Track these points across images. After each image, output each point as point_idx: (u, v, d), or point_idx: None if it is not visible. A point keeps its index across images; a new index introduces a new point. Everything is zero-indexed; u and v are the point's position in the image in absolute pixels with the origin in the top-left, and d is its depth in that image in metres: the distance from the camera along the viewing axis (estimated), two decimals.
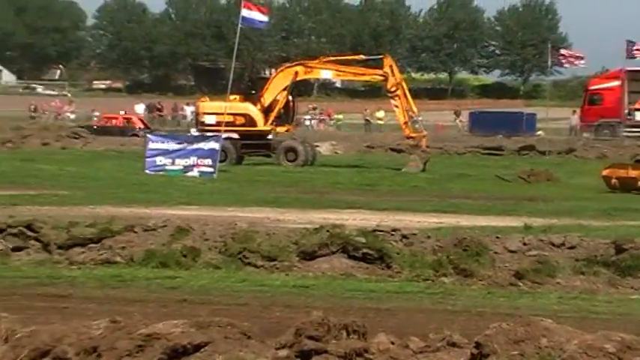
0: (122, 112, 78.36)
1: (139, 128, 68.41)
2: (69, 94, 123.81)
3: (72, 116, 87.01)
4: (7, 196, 28.28)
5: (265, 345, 8.08)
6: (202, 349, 7.93)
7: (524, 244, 16.91)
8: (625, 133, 69.48)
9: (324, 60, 49.88)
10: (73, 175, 36.67)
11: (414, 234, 17.53)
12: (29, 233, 18.48)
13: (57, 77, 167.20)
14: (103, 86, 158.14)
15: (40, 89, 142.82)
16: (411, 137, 45.87)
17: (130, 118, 74.86)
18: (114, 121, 73.10)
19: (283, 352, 7.72)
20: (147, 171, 38.54)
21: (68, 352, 7.89)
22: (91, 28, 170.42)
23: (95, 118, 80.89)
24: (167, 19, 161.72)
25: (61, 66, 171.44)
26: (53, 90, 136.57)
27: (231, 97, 45.58)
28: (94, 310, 12.72)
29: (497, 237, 17.30)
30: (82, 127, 68.65)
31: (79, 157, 48.67)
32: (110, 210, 24.47)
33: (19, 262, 17.77)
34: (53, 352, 7.92)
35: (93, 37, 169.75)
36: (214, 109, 46.48)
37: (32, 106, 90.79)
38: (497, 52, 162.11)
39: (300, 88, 57.04)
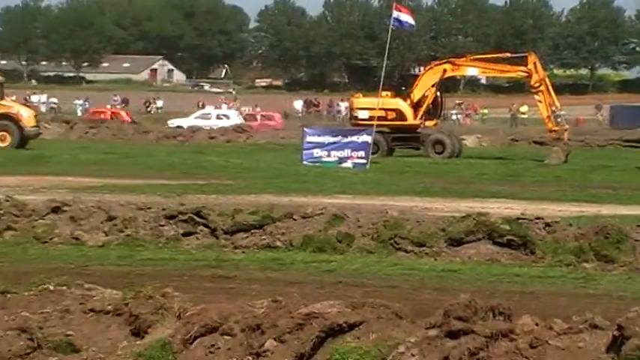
0: (108, 107, 78.43)
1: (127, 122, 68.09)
2: (233, 92, 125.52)
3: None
4: (179, 185, 28.85)
5: (415, 325, 8.08)
6: (357, 328, 7.97)
7: None
8: None
9: (471, 58, 49.58)
10: (237, 167, 37.11)
11: (557, 222, 17.30)
12: (198, 219, 18.82)
13: (222, 76, 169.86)
14: (264, 84, 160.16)
15: (207, 87, 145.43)
16: (554, 130, 45.26)
17: (118, 113, 74.78)
18: (102, 115, 72.99)
19: (433, 332, 7.71)
20: (304, 162, 38.83)
21: (234, 328, 8.02)
22: (254, 30, 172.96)
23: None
24: (324, 22, 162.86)
25: (226, 65, 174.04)
26: (219, 87, 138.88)
27: (383, 93, 45.52)
28: (257, 291, 12.86)
29: (638, 225, 16.95)
30: None
31: (242, 149, 49.30)
32: (270, 198, 24.72)
33: (188, 246, 18.12)
34: (221, 329, 8.06)
35: (255, 39, 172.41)
36: (367, 104, 46.59)
37: (200, 103, 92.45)
38: (637, 49, 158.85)
39: (447, 85, 56.64)
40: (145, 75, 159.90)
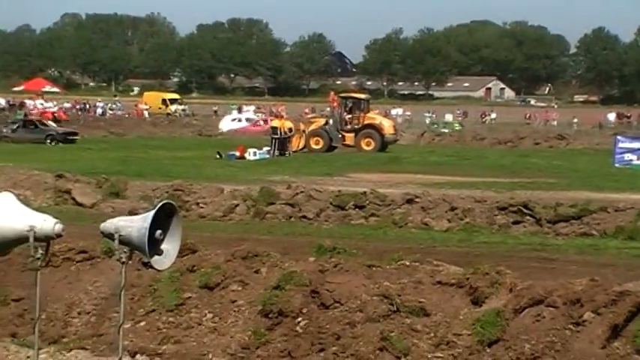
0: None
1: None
2: (555, 106, 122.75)
3: (554, 122, 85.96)
4: (508, 182, 28.59)
5: None
6: None
7: None
8: None
9: None
10: (557, 168, 36.28)
11: None
12: (525, 211, 18.65)
13: (546, 93, 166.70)
14: (581, 99, 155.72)
15: (532, 102, 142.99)
16: None
17: (45, 113, 65.70)
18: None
19: None
20: (616, 165, 37.57)
21: (557, 301, 7.82)
22: (573, 55, 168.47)
23: (575, 125, 79.46)
24: (635, 46, 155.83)
25: (549, 84, 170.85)
26: (543, 102, 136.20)
27: None
28: (575, 271, 12.48)
29: None
30: None
31: (562, 154, 48.10)
32: (587, 194, 23.98)
33: (516, 232, 17.95)
34: (546, 301, 7.89)
35: (574, 62, 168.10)
36: None
37: (527, 115, 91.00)
38: None
39: None
40: (481, 92, 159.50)
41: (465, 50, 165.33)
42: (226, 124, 68.40)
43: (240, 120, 70.71)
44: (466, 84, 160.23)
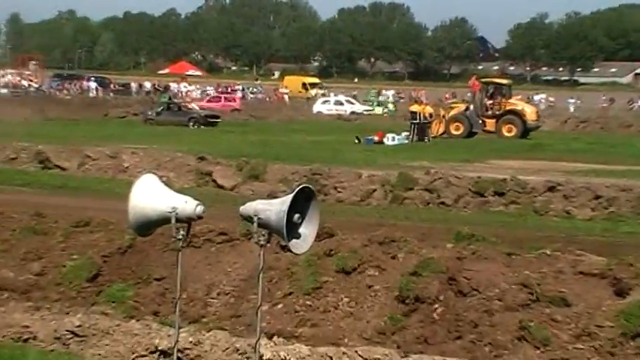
0: None
1: None
2: None
3: None
4: None
5: None
6: None
7: None
8: None
9: None
10: None
11: None
12: None
13: None
14: None
15: None
16: None
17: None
18: None
19: None
20: None
21: None
22: None
23: None
24: None
25: None
26: None
27: None
28: None
29: None
30: None
31: None
32: None
33: None
34: None
35: None
36: None
37: None
38: None
39: None
40: (629, 78, 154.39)
41: (612, 35, 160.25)
42: (318, 107, 70.24)
43: (328, 102, 72.27)
44: (613, 69, 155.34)
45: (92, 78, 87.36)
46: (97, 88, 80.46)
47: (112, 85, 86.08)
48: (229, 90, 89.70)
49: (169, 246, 9.36)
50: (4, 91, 72.70)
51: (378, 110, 72.85)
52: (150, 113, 51.91)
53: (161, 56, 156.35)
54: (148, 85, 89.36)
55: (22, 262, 10.58)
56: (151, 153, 25.39)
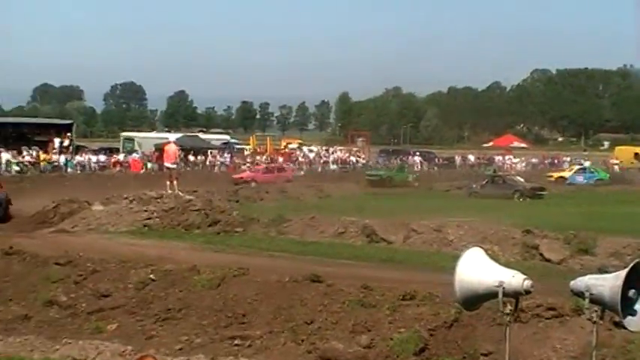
0: None
1: None
2: None
3: None
4: None
5: None
6: None
7: None
8: None
9: None
10: None
11: None
12: None
13: None
14: None
15: None
16: None
17: None
18: None
19: None
20: None
21: None
22: None
23: None
24: None
25: None
26: None
27: None
28: None
29: None
30: None
31: None
32: None
33: None
34: None
35: None
36: None
37: None
38: None
39: None
40: None
41: None
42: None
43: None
44: None
45: (417, 152, 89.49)
46: (421, 162, 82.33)
47: (436, 160, 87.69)
48: (555, 162, 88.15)
49: (496, 320, 9.27)
50: (334, 167, 76.28)
51: None
52: (474, 186, 52.28)
53: (485, 129, 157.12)
54: (471, 158, 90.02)
55: (351, 335, 10.90)
56: (476, 226, 25.36)
